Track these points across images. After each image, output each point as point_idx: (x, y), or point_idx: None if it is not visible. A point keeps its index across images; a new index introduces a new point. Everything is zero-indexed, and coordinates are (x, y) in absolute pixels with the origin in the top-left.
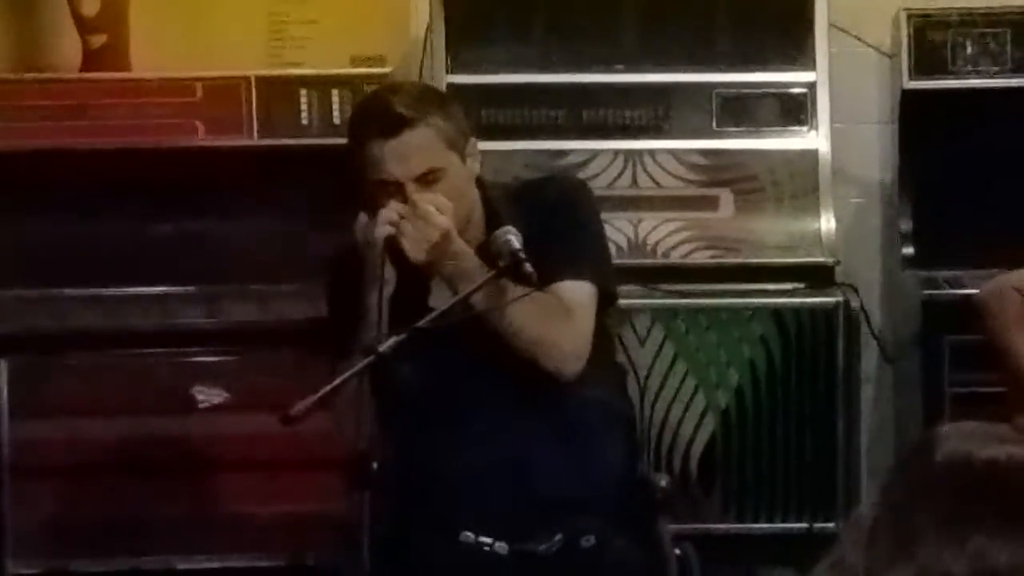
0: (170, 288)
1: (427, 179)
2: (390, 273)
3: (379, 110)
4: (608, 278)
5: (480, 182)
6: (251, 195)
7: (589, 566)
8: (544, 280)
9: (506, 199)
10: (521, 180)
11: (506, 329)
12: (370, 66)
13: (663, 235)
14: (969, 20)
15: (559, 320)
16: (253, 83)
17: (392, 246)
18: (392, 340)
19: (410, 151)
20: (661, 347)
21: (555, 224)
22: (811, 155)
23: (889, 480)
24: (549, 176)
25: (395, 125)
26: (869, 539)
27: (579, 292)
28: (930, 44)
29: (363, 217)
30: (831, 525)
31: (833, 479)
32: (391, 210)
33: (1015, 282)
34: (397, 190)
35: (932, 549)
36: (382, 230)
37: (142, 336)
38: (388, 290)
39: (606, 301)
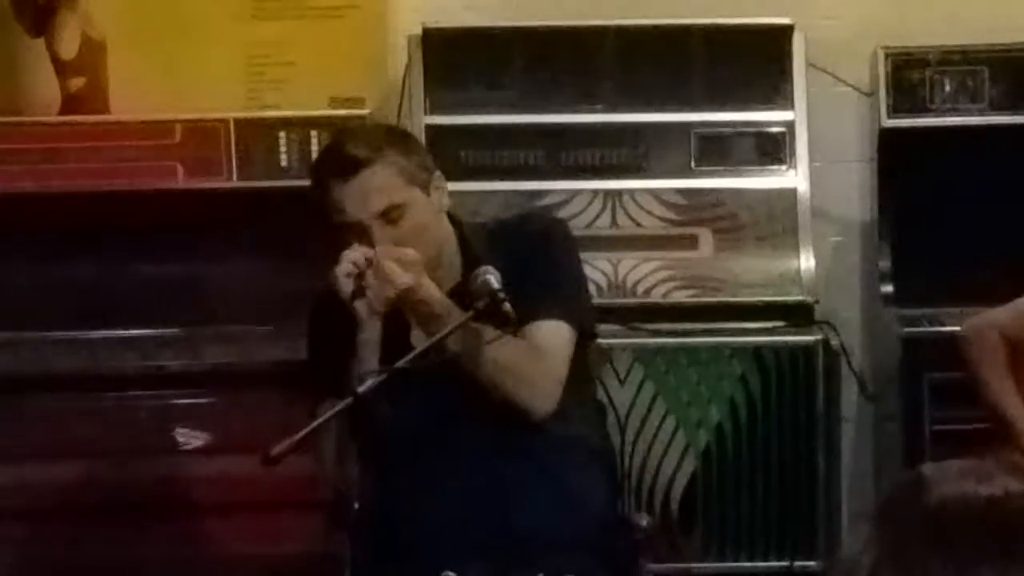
0: (150, 331)
1: (390, 216)
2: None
3: (334, 154)
4: (585, 317)
5: (457, 221)
6: (230, 237)
7: None
8: (520, 320)
9: (483, 238)
10: (498, 219)
11: (478, 367)
12: (349, 107)
13: (643, 275)
14: (947, 58)
15: (532, 360)
16: (232, 125)
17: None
18: (370, 381)
19: (368, 191)
20: (641, 386)
21: (532, 263)
22: (790, 194)
23: (882, 523)
24: (526, 214)
25: (350, 167)
26: None
27: (554, 332)
28: (908, 82)
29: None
30: (812, 564)
31: (814, 517)
32: (349, 261)
33: (995, 320)
34: (362, 230)
35: None
36: (344, 284)
37: (122, 379)
38: (373, 335)
39: (585, 338)
